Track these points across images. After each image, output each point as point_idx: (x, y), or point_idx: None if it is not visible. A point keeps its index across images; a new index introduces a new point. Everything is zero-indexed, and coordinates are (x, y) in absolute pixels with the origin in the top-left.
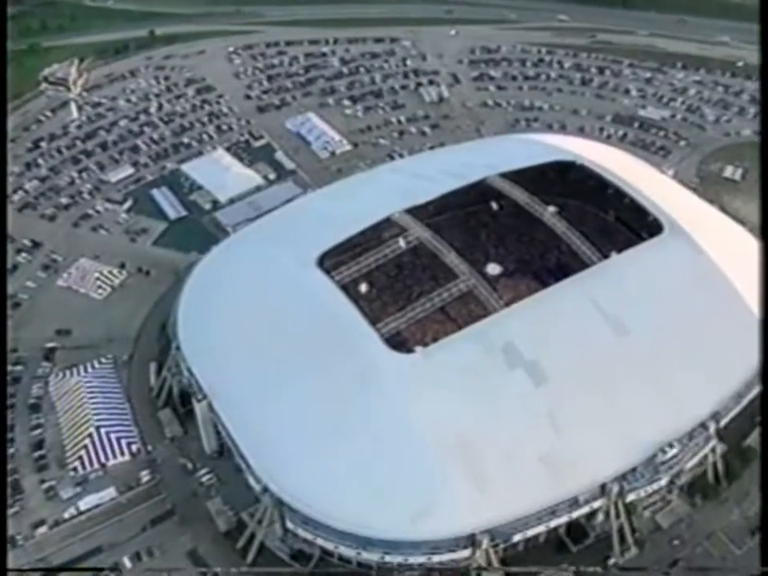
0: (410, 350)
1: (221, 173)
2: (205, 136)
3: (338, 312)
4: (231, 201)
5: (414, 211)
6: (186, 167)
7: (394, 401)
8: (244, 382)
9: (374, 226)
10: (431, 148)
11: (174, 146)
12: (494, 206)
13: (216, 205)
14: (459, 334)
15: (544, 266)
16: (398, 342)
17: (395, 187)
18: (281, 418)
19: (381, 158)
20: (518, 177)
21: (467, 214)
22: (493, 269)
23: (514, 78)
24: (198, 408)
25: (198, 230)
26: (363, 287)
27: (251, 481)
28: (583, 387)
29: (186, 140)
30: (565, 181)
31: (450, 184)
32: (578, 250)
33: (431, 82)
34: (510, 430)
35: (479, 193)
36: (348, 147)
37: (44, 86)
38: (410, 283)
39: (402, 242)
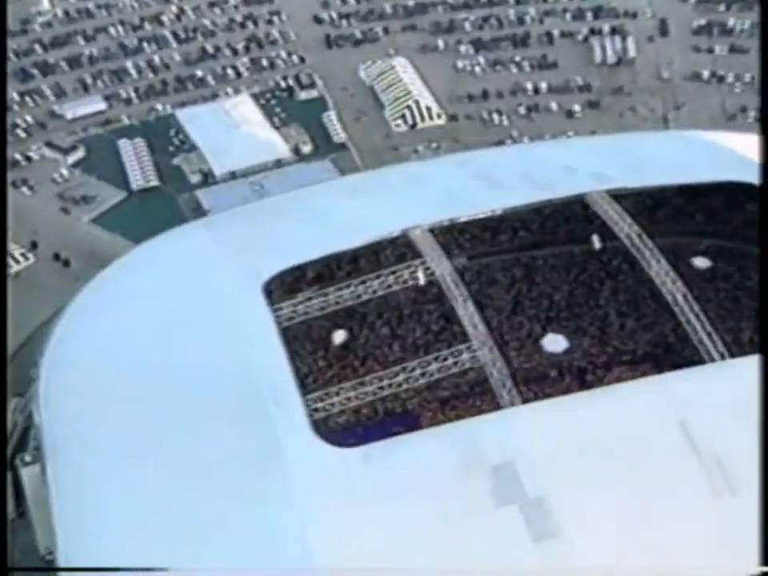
0: (345, 443)
1: (230, 131)
2: (230, 71)
3: (259, 365)
4: (232, 176)
5: (443, 231)
6: (182, 114)
7: (294, 517)
8: (100, 443)
9: (375, 243)
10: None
11: (179, 79)
12: (575, 240)
13: (207, 178)
14: (432, 432)
15: (626, 349)
16: (332, 428)
17: (439, 190)
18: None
19: (485, 143)
20: (642, 200)
21: (529, 246)
22: (552, 343)
23: None
24: (25, 476)
25: (167, 212)
26: (338, 335)
27: None
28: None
29: (200, 72)
30: (725, 217)
31: (523, 195)
32: (692, 332)
33: (615, 30)
34: None
35: (564, 215)
36: (442, 120)
37: None
38: (394, 337)
39: (420, 275)
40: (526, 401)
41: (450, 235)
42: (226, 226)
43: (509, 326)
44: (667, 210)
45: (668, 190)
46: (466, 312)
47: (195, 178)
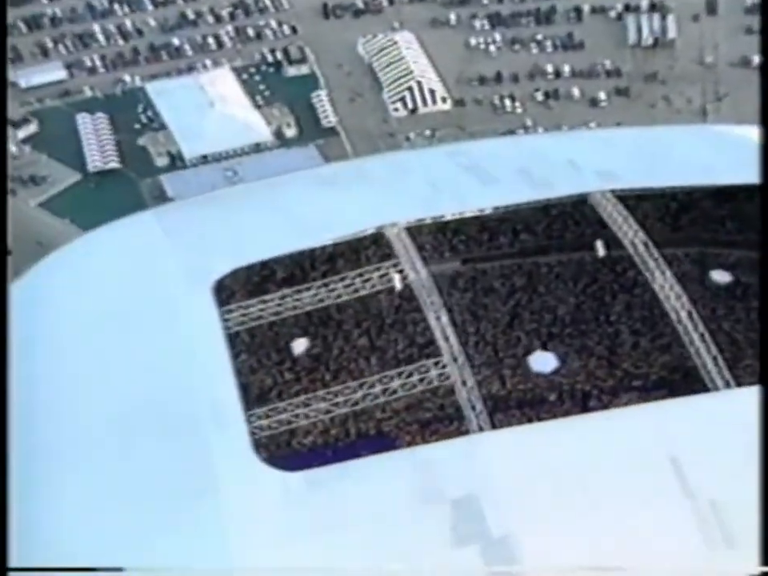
0: (288, 467)
1: (205, 109)
2: (212, 41)
3: (199, 375)
4: (203, 160)
5: (422, 230)
6: (152, 88)
7: (221, 547)
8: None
9: (345, 241)
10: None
11: (153, 47)
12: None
13: (175, 161)
14: (387, 458)
15: (620, 372)
16: (276, 450)
17: (425, 183)
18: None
19: (493, 133)
20: (652, 203)
21: (519, 251)
22: (541, 362)
23: None
24: None
25: (126, 198)
26: (298, 345)
27: None
28: None
29: (177, 41)
30: (750, 226)
31: (517, 193)
32: (695, 355)
33: (654, 7)
34: None
35: (562, 217)
36: (447, 105)
37: None
38: (356, 348)
39: (396, 279)
40: (497, 426)
41: (430, 235)
42: (179, 217)
43: (493, 342)
44: (681, 215)
45: (683, 192)
46: (438, 323)
47: (162, 161)
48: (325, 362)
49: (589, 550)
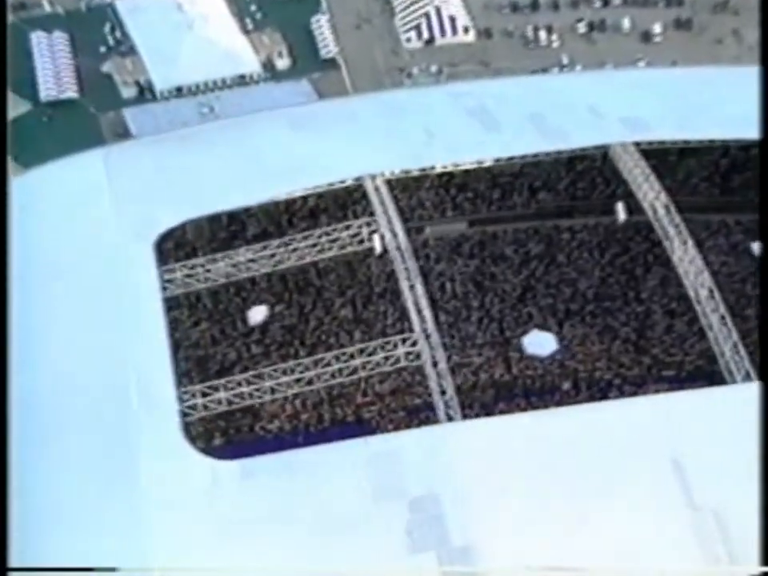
0: (222, 454)
1: (183, 32)
2: None
3: (128, 344)
4: (177, 92)
5: (406, 184)
6: (122, 5)
7: (139, 542)
8: None
9: (316, 194)
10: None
11: None
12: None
13: (143, 92)
14: (337, 447)
15: (623, 358)
16: (209, 433)
17: (419, 128)
18: None
19: (522, 70)
20: (682, 159)
21: (515, 216)
22: (537, 343)
23: None
24: None
25: (82, 134)
26: (258, 312)
27: None
28: None
29: None
30: None
31: (525, 142)
32: (713, 342)
33: None
34: None
35: (573, 173)
36: (469, 36)
37: None
38: (316, 319)
39: (376, 241)
40: (469, 416)
41: (415, 190)
42: (130, 158)
43: (476, 319)
44: (718, 175)
45: (723, 148)
46: (412, 293)
47: (128, 92)
48: (276, 334)
49: (569, 566)
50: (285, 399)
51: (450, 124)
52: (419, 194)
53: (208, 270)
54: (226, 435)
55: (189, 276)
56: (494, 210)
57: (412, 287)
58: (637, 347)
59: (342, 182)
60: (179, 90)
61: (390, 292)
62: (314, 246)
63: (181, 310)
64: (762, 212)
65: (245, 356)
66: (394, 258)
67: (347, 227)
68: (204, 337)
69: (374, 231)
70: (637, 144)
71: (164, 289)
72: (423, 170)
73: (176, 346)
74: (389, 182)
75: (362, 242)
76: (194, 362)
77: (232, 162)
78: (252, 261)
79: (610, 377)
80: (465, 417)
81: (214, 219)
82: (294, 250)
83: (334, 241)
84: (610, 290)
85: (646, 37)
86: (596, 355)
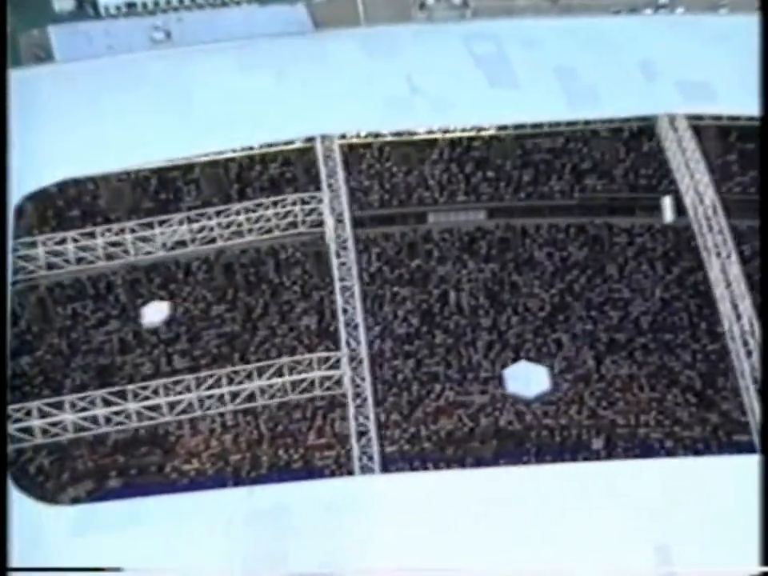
0: (57, 497)
1: None
2: None
3: None
4: (127, 8)
5: (364, 151)
6: None
7: None
8: None
9: (243, 156)
10: None
11: None
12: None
13: (83, 6)
14: (202, 497)
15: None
16: (42, 472)
17: (402, 77)
18: None
19: (598, 9)
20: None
21: (501, 208)
22: (519, 376)
23: None
24: None
25: None
26: (155, 311)
27: None
28: None
29: None
30: None
31: (537, 107)
32: (738, 367)
33: None
34: None
35: (596, 154)
36: None
37: None
38: (213, 325)
39: (329, 223)
40: (389, 469)
41: (374, 160)
42: (26, 91)
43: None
44: None
45: None
46: (345, 298)
47: (63, 5)
48: (161, 339)
49: None
50: (148, 428)
51: (443, 75)
52: (370, 164)
53: (83, 248)
54: (61, 472)
55: (55, 254)
56: (466, 195)
57: (347, 290)
58: (701, 398)
59: (289, 142)
60: (130, 5)
61: (311, 294)
62: (229, 225)
63: (36, 297)
64: (762, 213)
65: (115, 366)
66: (330, 251)
67: (275, 203)
68: (62, 337)
69: (311, 211)
70: (691, 117)
71: (18, 269)
72: (398, 134)
73: (20, 348)
74: (344, 149)
75: (293, 224)
76: (39, 371)
77: (153, 107)
78: (145, 240)
79: (660, 436)
80: (385, 470)
81: (105, 181)
82: (202, 229)
83: (255, 221)
84: (674, 317)
85: None
86: (640, 405)
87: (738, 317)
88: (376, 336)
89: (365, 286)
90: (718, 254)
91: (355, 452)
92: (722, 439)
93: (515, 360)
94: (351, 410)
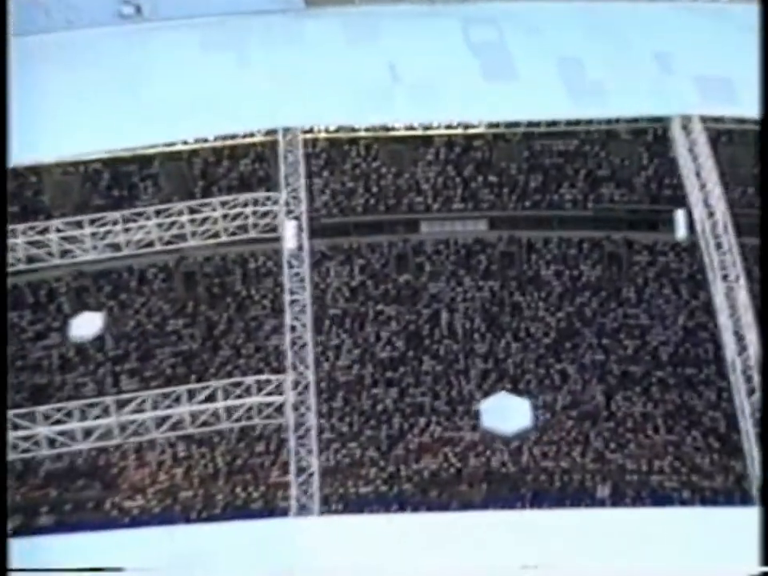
0: None
1: None
2: None
3: None
4: None
5: (329, 148)
6: None
7: None
8: None
9: (199, 148)
10: None
11: None
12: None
13: None
14: (117, 537)
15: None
16: None
17: (385, 65)
18: None
19: None
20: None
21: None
22: (495, 409)
23: None
24: None
25: None
26: (86, 323)
27: None
28: None
29: None
30: None
31: (535, 105)
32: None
33: None
34: None
35: (600, 158)
36: None
37: None
38: (147, 338)
39: (288, 231)
40: (329, 510)
41: (340, 158)
42: None
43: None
44: None
45: None
46: (295, 314)
47: None
48: (92, 355)
49: None
50: (62, 456)
51: (432, 63)
52: (335, 163)
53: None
54: None
55: None
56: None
57: (297, 306)
58: (724, 443)
59: (249, 134)
60: None
61: (257, 313)
62: (172, 225)
63: None
64: (762, 214)
65: (53, 386)
66: (283, 262)
67: (223, 204)
68: None
69: (267, 213)
70: (707, 119)
71: None
72: (372, 129)
73: None
74: (307, 144)
75: (243, 228)
76: None
77: (97, 90)
78: (80, 241)
79: (675, 485)
80: (326, 510)
81: (39, 173)
82: (140, 228)
83: (201, 222)
84: (698, 349)
85: None
86: (654, 448)
87: (743, 349)
88: (354, 360)
89: (346, 303)
90: (725, 277)
91: (294, 491)
92: (747, 491)
93: (513, 393)
94: (292, 442)
